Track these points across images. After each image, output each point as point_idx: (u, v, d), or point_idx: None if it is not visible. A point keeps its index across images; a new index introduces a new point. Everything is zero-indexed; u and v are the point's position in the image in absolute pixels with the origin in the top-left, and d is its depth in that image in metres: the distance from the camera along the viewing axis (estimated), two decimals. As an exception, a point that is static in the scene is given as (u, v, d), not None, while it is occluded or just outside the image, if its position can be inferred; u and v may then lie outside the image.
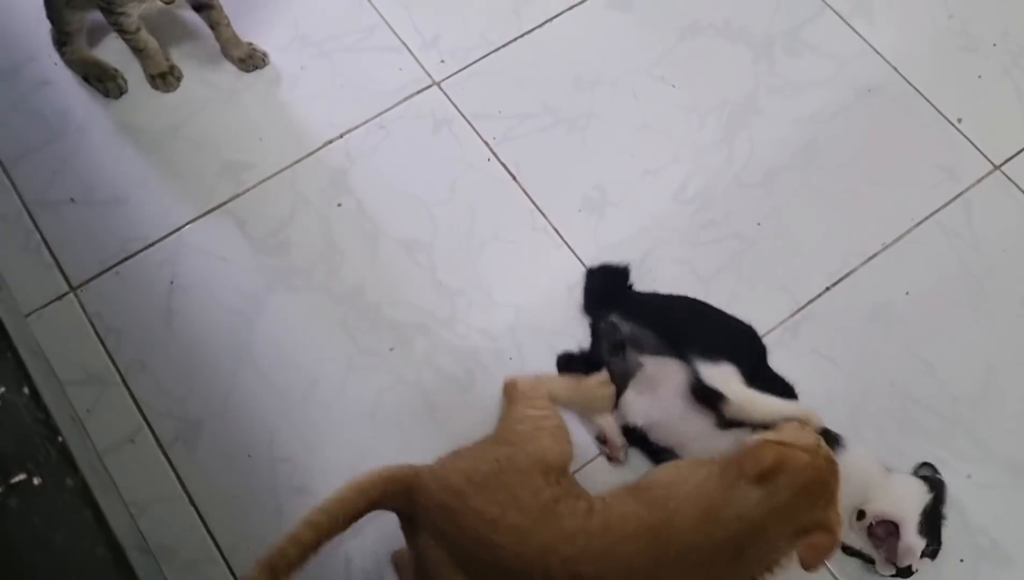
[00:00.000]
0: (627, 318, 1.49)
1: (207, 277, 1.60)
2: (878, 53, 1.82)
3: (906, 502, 1.36)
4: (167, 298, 1.59)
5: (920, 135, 1.75)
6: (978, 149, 1.74)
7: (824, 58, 1.82)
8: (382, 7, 1.85)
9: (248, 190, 1.67)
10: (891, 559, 1.33)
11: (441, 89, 1.77)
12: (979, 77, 1.81)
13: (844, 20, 1.85)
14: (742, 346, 1.51)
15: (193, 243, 1.63)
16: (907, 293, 1.61)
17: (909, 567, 1.33)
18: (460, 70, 1.79)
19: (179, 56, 1.79)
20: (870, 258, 1.64)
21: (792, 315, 1.59)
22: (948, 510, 1.41)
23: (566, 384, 1.45)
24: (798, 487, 1.17)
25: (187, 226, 1.64)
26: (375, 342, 1.56)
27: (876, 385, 1.54)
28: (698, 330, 1.50)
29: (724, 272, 1.61)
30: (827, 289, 1.61)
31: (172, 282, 1.60)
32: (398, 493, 1.25)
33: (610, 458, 1.47)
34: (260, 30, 1.82)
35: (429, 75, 1.78)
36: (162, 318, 1.57)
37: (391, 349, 1.55)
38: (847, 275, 1.62)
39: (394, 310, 1.58)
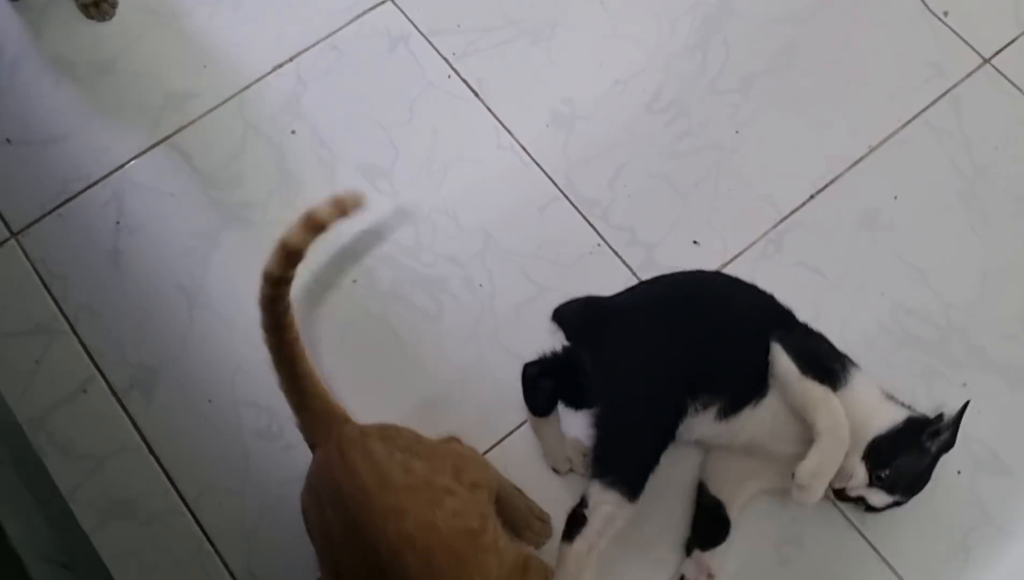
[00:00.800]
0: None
1: (155, 215, 1.51)
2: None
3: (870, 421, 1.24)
4: (114, 239, 1.50)
5: (905, 31, 1.66)
6: (966, 42, 1.64)
7: (802, -47, 1.71)
8: (328, -81, 1.73)
9: (194, 121, 1.57)
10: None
11: (395, 4, 1.66)
12: (966, -34, 1.71)
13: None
14: None
15: (138, 180, 1.53)
16: (896, 197, 1.53)
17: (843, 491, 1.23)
18: (415, -18, 1.68)
19: (113, -19, 1.67)
20: (856, 162, 1.56)
21: (775, 226, 1.51)
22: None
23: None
24: None
25: (131, 162, 1.54)
26: (338, 275, 1.48)
27: (866, 295, 1.47)
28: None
29: (703, 184, 1.53)
30: (811, 197, 1.53)
31: (118, 222, 1.50)
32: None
33: None
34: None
35: (382, -11, 1.67)
36: (110, 261, 1.48)
37: (355, 281, 1.47)
38: (832, 181, 1.54)
39: (356, 240, 1.50)
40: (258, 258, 1.45)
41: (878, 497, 1.23)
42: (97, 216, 1.51)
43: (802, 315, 1.41)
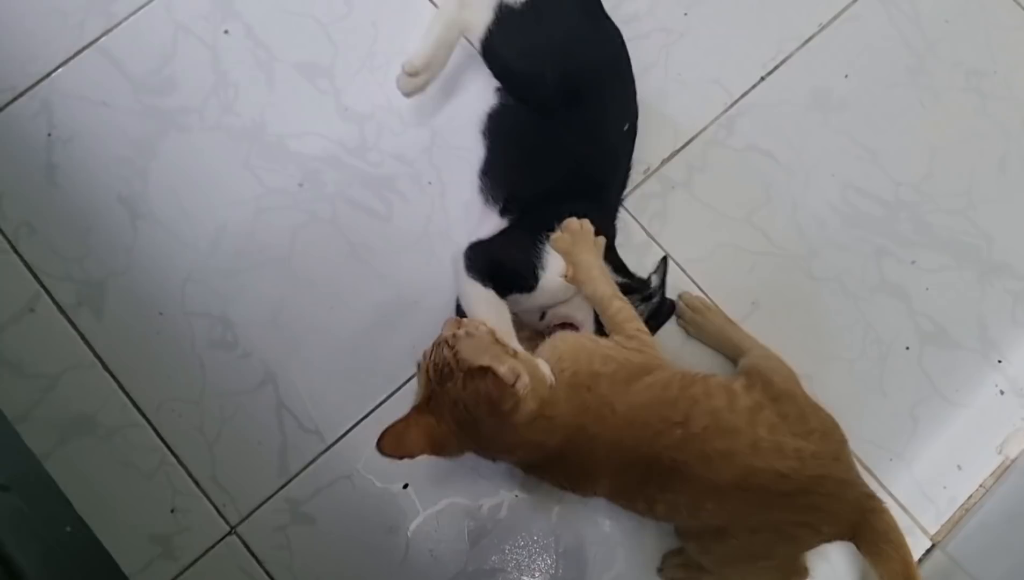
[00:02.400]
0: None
1: (88, 125, 1.45)
2: None
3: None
4: (47, 152, 1.44)
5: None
6: (918, -89, 1.60)
7: None
8: None
9: (120, 23, 1.50)
10: None
11: None
12: None
13: None
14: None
15: (67, 89, 1.47)
16: (846, 76, 1.51)
17: None
18: None
19: None
20: (806, 41, 1.53)
21: (726, 110, 1.49)
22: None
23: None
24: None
25: (57, 71, 1.47)
26: (282, 179, 1.44)
27: (817, 176, 1.47)
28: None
29: (652, 69, 1.50)
30: (762, 79, 1.51)
31: (49, 135, 1.45)
32: None
33: None
34: None
35: None
36: (44, 175, 1.43)
37: (300, 185, 1.44)
38: (783, 62, 1.52)
39: (299, 142, 1.46)
40: (199, 165, 1.43)
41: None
42: (27, 129, 1.45)
43: (754, 199, 1.41)
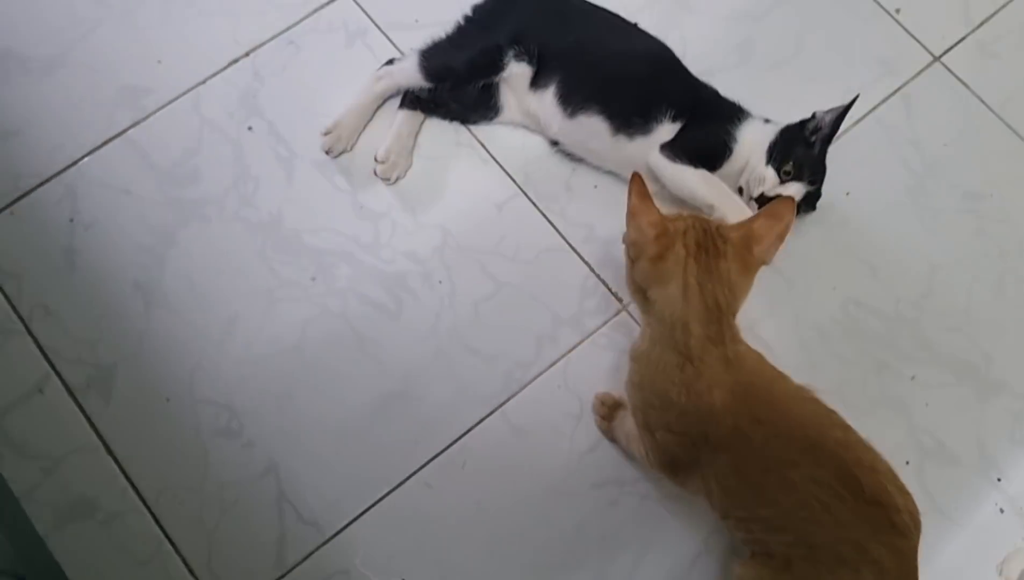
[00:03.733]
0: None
1: (110, 212, 1.49)
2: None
3: (750, 145, 1.45)
4: (68, 237, 1.48)
5: (857, 28, 1.68)
6: (917, 40, 1.67)
7: (757, -50, 1.73)
8: (285, -89, 1.71)
9: (149, 116, 1.55)
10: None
11: (353, -1, 1.65)
12: (917, -35, 1.74)
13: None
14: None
15: (93, 177, 1.51)
16: (847, 193, 1.56)
17: (763, 196, 1.42)
18: (373, -23, 1.67)
19: (64, -27, 1.65)
20: (809, 159, 1.58)
21: (731, 222, 1.53)
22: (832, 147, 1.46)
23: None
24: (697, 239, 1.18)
25: (85, 159, 1.52)
26: (296, 272, 1.47)
27: (818, 290, 1.50)
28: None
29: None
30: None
31: (72, 220, 1.48)
32: None
33: None
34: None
35: (339, -17, 1.66)
36: (64, 259, 1.46)
37: (313, 278, 1.47)
38: (786, 178, 1.56)
39: (315, 237, 1.49)
40: (216, 255, 1.47)
41: (794, 188, 1.42)
42: (50, 213, 1.49)
43: (757, 309, 1.44)
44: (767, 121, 1.48)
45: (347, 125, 1.53)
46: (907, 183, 1.57)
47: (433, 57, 1.50)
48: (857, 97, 1.43)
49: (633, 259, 1.21)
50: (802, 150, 1.43)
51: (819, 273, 1.51)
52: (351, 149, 1.54)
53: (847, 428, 1.17)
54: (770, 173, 1.42)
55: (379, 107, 1.56)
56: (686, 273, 1.16)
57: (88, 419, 1.39)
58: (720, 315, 1.16)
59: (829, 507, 1.11)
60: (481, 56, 1.49)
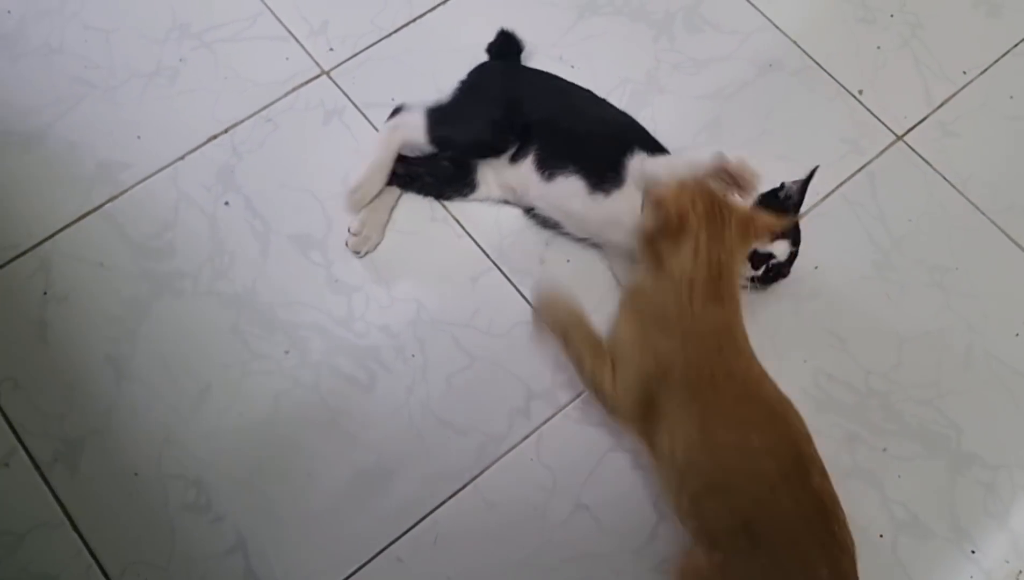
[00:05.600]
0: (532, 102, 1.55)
1: (84, 285, 1.50)
2: (777, 28, 1.80)
3: None
4: (40, 310, 1.48)
5: (823, 108, 1.73)
6: (880, 121, 1.72)
7: (724, 34, 1.79)
8: (265, -6, 1.76)
9: (127, 191, 1.57)
10: None
11: (331, 78, 1.69)
12: (878, 48, 1.80)
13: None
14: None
15: (68, 250, 1.52)
16: (816, 267, 1.58)
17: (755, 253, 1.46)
18: (350, 58, 1.71)
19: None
20: (778, 234, 1.61)
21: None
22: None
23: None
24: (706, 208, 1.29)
25: (61, 232, 1.53)
26: (269, 345, 1.47)
27: (790, 362, 1.51)
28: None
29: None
30: (738, 267, 1.58)
31: (45, 293, 1.49)
32: None
33: None
34: (135, 21, 1.71)
35: (317, 64, 1.70)
36: (35, 331, 1.46)
37: (286, 352, 1.47)
38: (756, 252, 1.59)
39: (288, 311, 1.50)
40: (188, 328, 1.47)
41: (781, 246, 1.47)
42: (24, 286, 1.49)
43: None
44: None
45: (369, 187, 1.52)
46: (874, 257, 1.60)
47: (439, 125, 1.53)
48: (817, 168, 1.48)
49: (652, 228, 1.29)
50: (776, 204, 1.48)
51: (790, 345, 1.52)
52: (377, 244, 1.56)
53: (810, 440, 1.26)
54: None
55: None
56: (698, 238, 1.27)
57: (53, 494, 1.37)
58: (720, 275, 1.27)
59: (776, 488, 1.19)
60: (484, 136, 1.52)
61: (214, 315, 1.49)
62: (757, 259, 1.46)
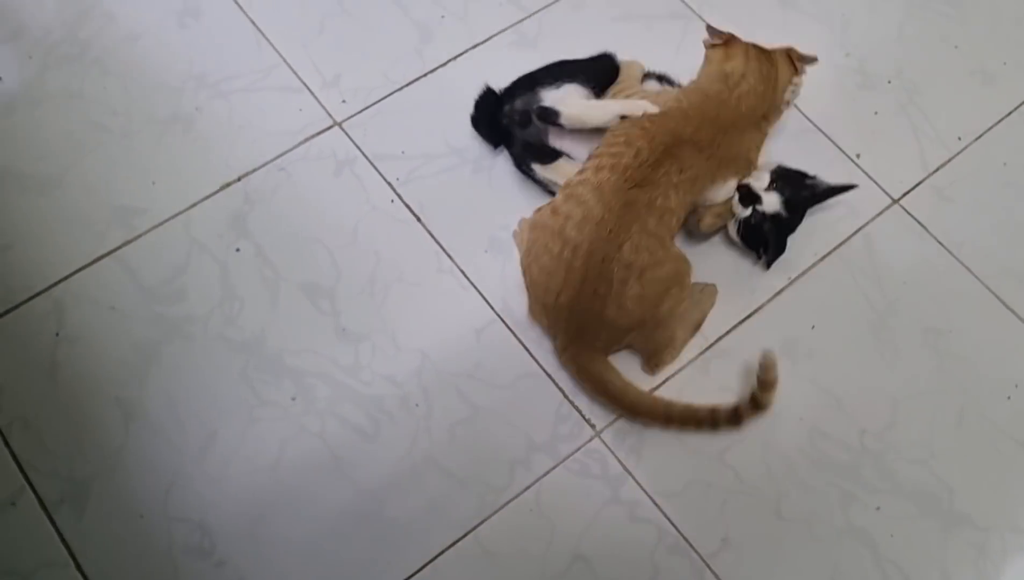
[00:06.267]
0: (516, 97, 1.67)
1: (95, 328, 1.52)
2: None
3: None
4: (52, 351, 1.50)
5: (821, 171, 1.75)
6: (877, 184, 1.77)
7: (726, 96, 1.83)
8: (281, 47, 1.81)
9: (140, 236, 1.60)
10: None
11: (343, 129, 1.73)
12: (875, 113, 1.85)
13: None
14: (592, 71, 1.69)
15: (81, 293, 1.55)
16: (813, 327, 1.62)
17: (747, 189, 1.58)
18: (362, 110, 1.75)
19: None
20: (777, 294, 1.64)
21: (702, 353, 1.58)
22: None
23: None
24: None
25: (75, 275, 1.56)
26: (276, 392, 1.50)
27: (785, 419, 1.54)
28: (552, 70, 1.70)
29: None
30: (736, 325, 1.61)
31: (57, 334, 1.51)
32: None
33: None
34: (153, 69, 1.76)
35: (330, 115, 1.74)
36: (46, 372, 1.49)
37: (293, 398, 1.50)
38: (756, 311, 1.63)
39: (296, 358, 1.53)
40: (197, 373, 1.49)
41: (772, 198, 1.58)
42: (37, 327, 1.52)
43: (727, 437, 1.48)
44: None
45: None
46: (869, 318, 1.64)
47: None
48: (855, 186, 1.67)
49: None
50: (795, 183, 1.60)
51: (786, 403, 1.55)
52: None
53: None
54: (765, 174, 1.59)
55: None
56: (747, 51, 1.59)
57: (60, 534, 1.39)
58: (764, 95, 1.59)
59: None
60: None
61: (223, 360, 1.52)
62: (746, 196, 1.56)
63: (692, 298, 1.56)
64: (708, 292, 1.61)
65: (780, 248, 1.61)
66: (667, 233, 1.47)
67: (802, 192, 1.61)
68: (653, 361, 1.55)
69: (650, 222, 1.43)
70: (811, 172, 1.64)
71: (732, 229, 1.61)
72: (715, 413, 1.48)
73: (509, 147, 1.69)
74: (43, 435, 1.45)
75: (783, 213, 1.57)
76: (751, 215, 1.57)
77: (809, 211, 1.64)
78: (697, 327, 1.59)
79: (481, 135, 1.72)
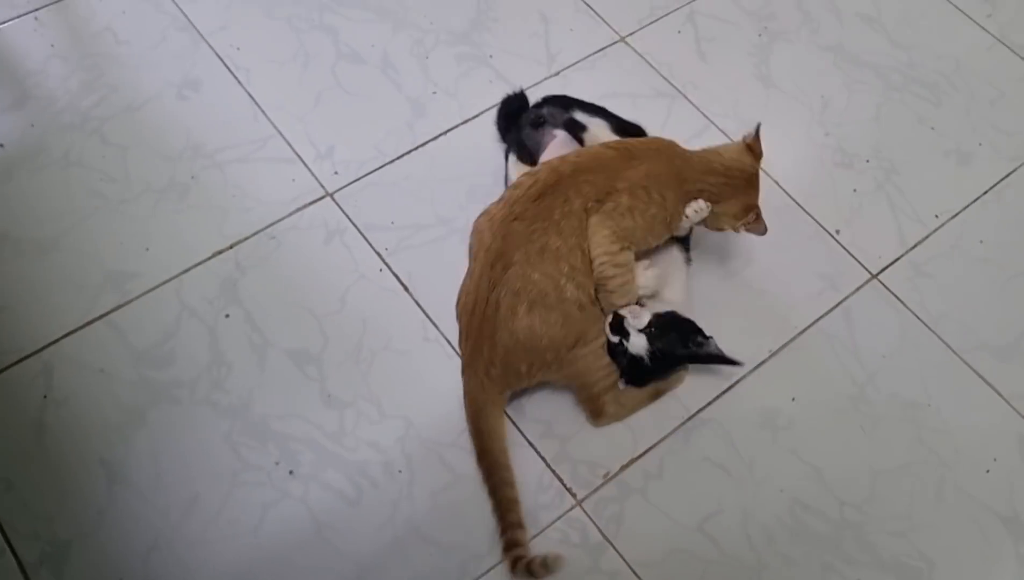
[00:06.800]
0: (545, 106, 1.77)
1: (83, 390, 1.54)
2: (761, 168, 1.89)
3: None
4: (39, 412, 1.52)
5: (801, 246, 1.82)
6: (856, 259, 1.81)
7: (709, 172, 1.88)
8: (277, 119, 1.86)
9: (132, 300, 1.63)
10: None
11: (334, 200, 1.77)
12: (854, 191, 1.90)
13: (729, 137, 1.93)
14: (623, 126, 1.76)
15: (71, 355, 1.57)
16: (793, 399, 1.64)
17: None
18: (353, 181, 1.80)
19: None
20: (758, 366, 1.67)
21: (683, 423, 1.60)
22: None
23: None
24: None
25: (66, 338, 1.59)
26: (260, 456, 1.51)
27: (766, 491, 1.55)
28: (589, 105, 1.79)
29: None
30: (718, 397, 1.63)
31: (45, 396, 1.53)
32: None
33: None
34: (152, 139, 1.81)
35: (322, 186, 1.79)
36: (33, 434, 1.50)
37: (277, 463, 1.51)
38: (737, 382, 1.65)
39: (281, 423, 1.54)
40: (182, 436, 1.51)
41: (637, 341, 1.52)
42: (25, 389, 1.54)
43: (706, 508, 1.48)
44: None
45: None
46: (849, 391, 1.66)
47: None
48: (741, 363, 1.61)
49: None
50: (677, 338, 1.54)
51: (767, 474, 1.56)
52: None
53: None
54: (647, 314, 1.53)
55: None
56: None
57: (37, 598, 1.39)
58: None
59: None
60: None
61: (208, 424, 1.53)
62: (617, 327, 1.52)
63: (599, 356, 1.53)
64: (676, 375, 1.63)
65: (636, 383, 1.57)
66: (562, 277, 1.46)
67: (678, 349, 1.53)
68: (586, 409, 1.57)
69: (532, 255, 1.45)
70: (708, 332, 1.56)
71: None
72: (512, 531, 1.43)
73: (505, 136, 1.80)
74: (26, 496, 1.45)
75: (645, 360, 1.51)
76: (618, 343, 1.52)
77: (789, 285, 1.67)
78: (655, 396, 1.60)
79: (497, 125, 1.83)
